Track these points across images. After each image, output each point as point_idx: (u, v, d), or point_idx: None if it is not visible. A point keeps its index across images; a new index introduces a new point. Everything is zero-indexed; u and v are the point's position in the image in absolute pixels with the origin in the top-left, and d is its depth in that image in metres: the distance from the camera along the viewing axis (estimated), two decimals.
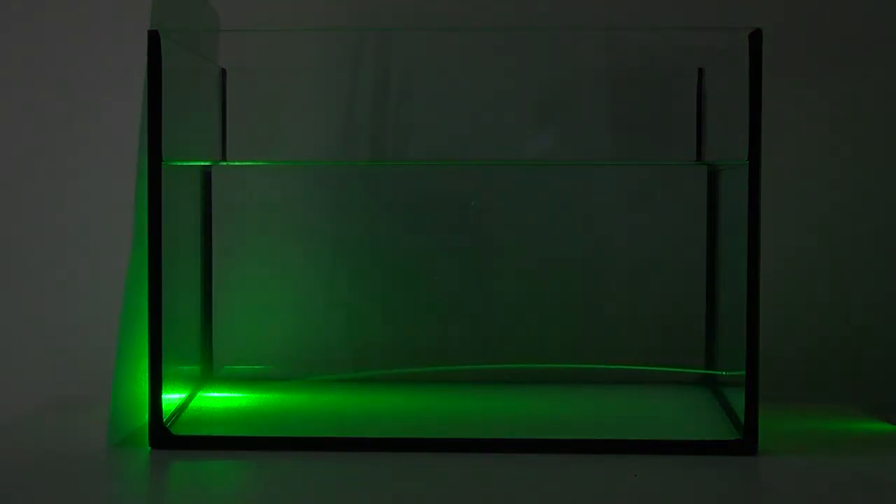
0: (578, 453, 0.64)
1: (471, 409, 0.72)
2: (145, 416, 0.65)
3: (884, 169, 0.83)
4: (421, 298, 0.79)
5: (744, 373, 0.64)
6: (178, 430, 0.66)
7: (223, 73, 0.78)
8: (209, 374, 0.78)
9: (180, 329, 0.70)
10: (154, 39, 0.63)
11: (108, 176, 0.82)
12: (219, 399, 0.74)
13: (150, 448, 0.64)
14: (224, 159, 0.78)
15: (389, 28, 0.81)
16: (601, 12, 0.81)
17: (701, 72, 0.77)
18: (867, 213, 0.83)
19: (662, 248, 0.78)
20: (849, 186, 0.82)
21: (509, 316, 0.79)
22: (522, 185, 0.79)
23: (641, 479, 0.60)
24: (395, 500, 0.57)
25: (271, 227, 0.79)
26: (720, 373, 0.73)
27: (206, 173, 0.77)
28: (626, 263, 0.79)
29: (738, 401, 0.65)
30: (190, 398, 0.73)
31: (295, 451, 0.64)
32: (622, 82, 0.79)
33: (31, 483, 0.59)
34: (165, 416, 0.65)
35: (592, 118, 0.79)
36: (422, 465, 0.62)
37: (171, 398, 0.67)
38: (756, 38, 0.63)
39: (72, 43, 0.83)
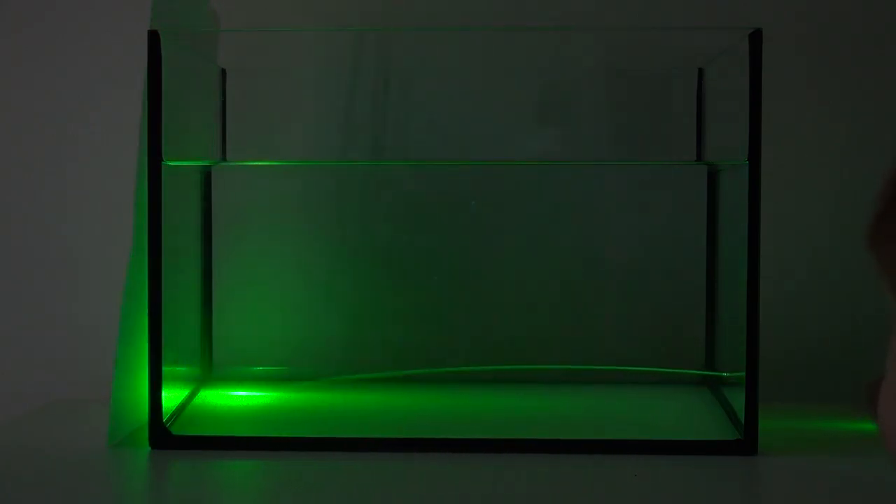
0: (578, 453, 0.64)
1: (471, 409, 0.72)
2: (145, 416, 0.65)
3: (884, 169, 0.83)
4: (421, 298, 0.79)
5: (743, 373, 0.64)
6: (178, 430, 0.66)
7: (223, 73, 0.78)
8: (209, 374, 0.78)
9: (180, 329, 0.70)
10: (154, 39, 0.63)
11: (108, 176, 0.82)
12: (219, 399, 0.74)
13: (150, 448, 0.64)
14: (224, 159, 0.78)
15: (389, 28, 0.81)
16: (601, 12, 0.81)
17: (701, 72, 0.77)
18: (867, 212, 0.83)
19: (662, 248, 0.78)
20: (848, 187, 0.82)
21: (509, 316, 0.79)
22: (522, 185, 0.78)
23: (641, 479, 0.60)
24: (395, 500, 0.57)
25: (271, 227, 0.79)
26: (721, 374, 0.73)
27: (206, 173, 0.77)
28: (626, 263, 0.79)
29: (738, 401, 0.65)
30: (190, 398, 0.73)
31: (295, 451, 0.64)
32: (622, 82, 0.79)
33: (32, 483, 0.59)
34: (165, 416, 0.65)
35: (592, 118, 0.79)
36: (421, 465, 0.62)
37: (171, 398, 0.67)
38: (756, 38, 0.63)
39: (72, 43, 0.83)
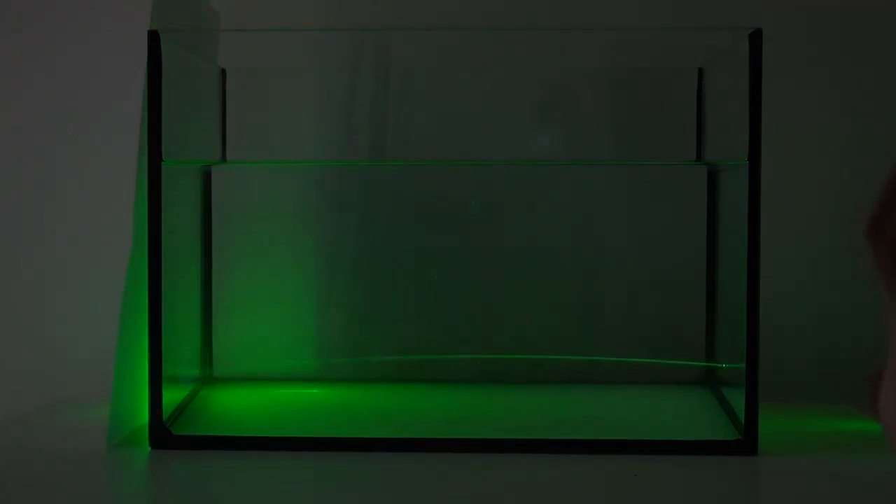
0: (578, 453, 0.64)
1: (471, 409, 0.72)
2: (145, 416, 0.65)
3: (883, 169, 0.83)
4: (420, 298, 0.79)
5: (743, 364, 0.64)
6: (178, 430, 0.66)
7: (223, 73, 0.78)
8: (209, 374, 0.78)
9: (180, 329, 0.70)
10: (154, 39, 0.63)
11: (108, 176, 0.82)
12: (219, 399, 0.75)
13: (150, 448, 0.64)
14: (224, 159, 0.78)
15: (389, 28, 0.81)
16: (601, 12, 0.81)
17: (701, 72, 0.77)
18: (867, 212, 0.83)
19: (662, 247, 0.78)
20: (848, 187, 0.82)
21: (510, 316, 0.79)
22: (522, 185, 0.78)
23: (641, 479, 0.60)
24: (395, 500, 0.57)
25: (271, 226, 0.79)
26: (720, 365, 0.73)
27: (206, 173, 0.77)
28: (627, 263, 0.79)
29: (738, 401, 0.65)
30: (190, 398, 0.73)
31: (295, 451, 0.64)
32: (622, 82, 0.79)
33: (32, 483, 0.59)
34: (165, 416, 0.65)
35: (593, 118, 0.79)
36: (421, 465, 0.62)
37: (172, 398, 0.67)
38: (756, 38, 0.63)
39: (72, 43, 0.83)
